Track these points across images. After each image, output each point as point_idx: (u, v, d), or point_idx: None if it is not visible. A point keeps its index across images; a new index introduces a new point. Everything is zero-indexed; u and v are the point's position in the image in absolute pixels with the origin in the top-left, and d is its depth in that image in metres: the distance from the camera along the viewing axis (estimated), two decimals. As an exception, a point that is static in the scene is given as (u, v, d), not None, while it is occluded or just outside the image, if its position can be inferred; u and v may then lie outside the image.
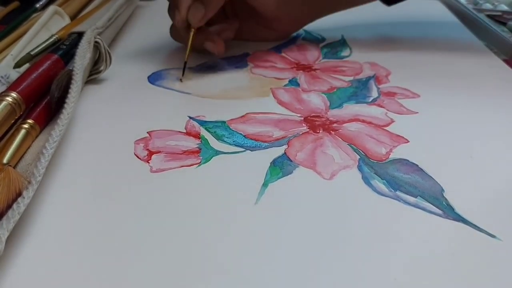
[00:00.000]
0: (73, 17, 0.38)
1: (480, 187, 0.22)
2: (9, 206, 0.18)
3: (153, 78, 0.33)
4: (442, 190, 0.22)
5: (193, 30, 0.33)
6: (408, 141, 0.26)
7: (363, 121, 0.28)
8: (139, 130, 0.26)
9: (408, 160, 0.24)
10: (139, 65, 0.35)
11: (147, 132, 0.26)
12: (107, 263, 0.17)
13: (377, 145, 0.25)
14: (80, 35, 0.31)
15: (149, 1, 0.52)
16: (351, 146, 0.25)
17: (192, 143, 0.25)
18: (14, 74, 0.29)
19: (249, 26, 0.39)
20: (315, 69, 0.35)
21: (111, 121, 0.27)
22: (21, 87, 0.25)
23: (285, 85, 0.32)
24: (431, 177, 0.23)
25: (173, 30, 0.36)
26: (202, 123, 0.27)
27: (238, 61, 0.36)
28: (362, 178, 0.22)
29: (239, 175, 0.23)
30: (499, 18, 0.46)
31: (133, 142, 0.25)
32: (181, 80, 0.32)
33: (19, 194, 0.19)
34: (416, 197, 0.21)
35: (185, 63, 0.33)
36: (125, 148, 0.24)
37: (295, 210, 0.20)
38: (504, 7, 0.51)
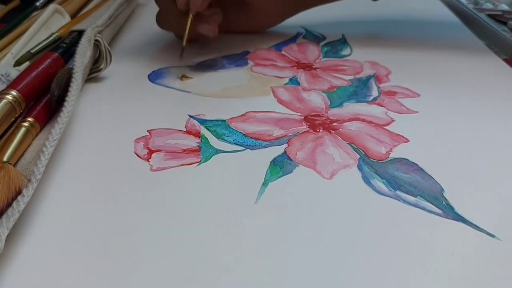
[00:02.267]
0: (73, 16, 0.38)
1: (479, 187, 0.22)
2: (9, 204, 0.18)
3: (153, 77, 0.33)
4: (442, 189, 0.22)
5: (191, 15, 0.33)
6: (408, 141, 0.26)
7: (363, 120, 0.28)
8: (139, 128, 0.26)
9: (408, 160, 0.24)
10: (139, 63, 0.35)
11: (147, 131, 0.26)
12: (107, 262, 0.17)
13: (377, 144, 0.25)
14: (80, 33, 0.31)
15: (150, -1, 0.52)
16: (351, 145, 0.25)
17: (192, 142, 0.25)
18: (14, 72, 0.29)
19: (235, 16, 0.39)
20: (315, 68, 0.35)
21: (111, 120, 0.27)
22: (21, 85, 0.25)
23: (285, 84, 0.32)
24: (431, 176, 0.23)
25: (160, 17, 0.36)
26: (202, 121, 0.27)
27: (238, 60, 0.36)
28: (362, 177, 0.22)
29: (239, 174, 0.23)
30: (499, 18, 0.46)
31: (133, 140, 0.25)
32: (181, 79, 0.32)
33: (19, 193, 0.19)
34: (416, 196, 0.21)
35: (183, 48, 0.33)
36: (125, 146, 0.24)
37: (295, 209, 0.20)
38: (505, 7, 0.51)
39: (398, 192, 0.22)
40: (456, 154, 0.25)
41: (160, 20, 0.36)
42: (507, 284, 0.17)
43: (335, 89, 0.32)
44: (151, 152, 0.24)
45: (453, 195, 0.21)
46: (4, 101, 0.23)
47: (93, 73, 0.31)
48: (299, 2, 0.40)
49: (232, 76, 0.33)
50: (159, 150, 0.24)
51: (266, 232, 0.19)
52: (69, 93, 0.25)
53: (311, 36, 0.41)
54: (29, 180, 0.19)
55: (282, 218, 0.20)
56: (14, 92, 0.24)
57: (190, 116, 0.27)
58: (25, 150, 0.23)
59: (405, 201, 0.21)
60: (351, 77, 0.33)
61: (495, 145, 0.26)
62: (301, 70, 0.34)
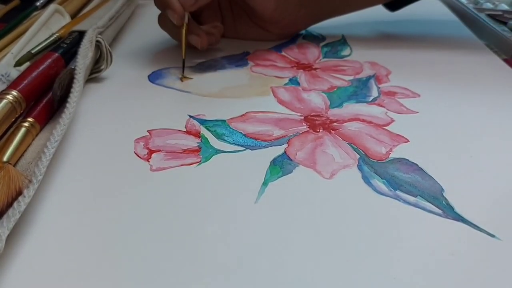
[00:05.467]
0: (73, 16, 0.38)
1: (479, 187, 0.22)
2: (9, 204, 0.18)
3: (153, 77, 0.33)
4: (442, 189, 0.22)
5: (185, 25, 0.33)
6: (408, 141, 0.26)
7: (363, 120, 0.28)
8: (139, 128, 0.26)
9: (408, 160, 0.24)
10: (140, 64, 0.35)
11: (147, 131, 0.26)
12: (107, 262, 0.17)
13: (377, 144, 0.25)
14: (80, 33, 0.31)
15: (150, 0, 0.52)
16: (351, 146, 0.25)
17: (192, 142, 0.25)
18: (15, 73, 0.29)
19: (244, 25, 0.39)
20: (315, 68, 0.35)
21: (112, 120, 0.27)
22: (22, 85, 0.25)
23: (285, 84, 0.32)
24: (431, 176, 0.23)
25: (161, 18, 0.36)
26: (202, 122, 0.27)
27: (238, 60, 0.36)
28: (362, 177, 0.22)
29: (239, 174, 0.23)
30: (499, 18, 0.46)
31: (133, 140, 0.25)
32: (181, 79, 0.32)
33: (19, 193, 0.19)
34: (416, 196, 0.21)
35: (184, 60, 0.33)
36: (125, 146, 0.24)
37: (295, 209, 0.20)
38: (505, 7, 0.51)
39: (398, 192, 0.22)
40: (456, 154, 0.25)
41: (161, 22, 0.36)
42: (507, 284, 0.17)
43: (335, 89, 0.32)
44: (151, 152, 0.24)
45: (453, 195, 0.21)
46: (4, 101, 0.23)
47: (93, 74, 0.31)
48: (314, 13, 0.39)
49: (232, 76, 0.33)
50: (159, 150, 0.24)
51: (266, 232, 0.19)
52: (71, 94, 0.25)
53: (311, 36, 0.41)
54: (30, 181, 0.19)
55: (282, 218, 0.20)
56: (14, 92, 0.24)
57: (190, 116, 0.27)
58: (25, 150, 0.23)
59: (405, 201, 0.21)
60: (351, 77, 0.33)
61: (495, 145, 0.26)
62: (301, 70, 0.34)
